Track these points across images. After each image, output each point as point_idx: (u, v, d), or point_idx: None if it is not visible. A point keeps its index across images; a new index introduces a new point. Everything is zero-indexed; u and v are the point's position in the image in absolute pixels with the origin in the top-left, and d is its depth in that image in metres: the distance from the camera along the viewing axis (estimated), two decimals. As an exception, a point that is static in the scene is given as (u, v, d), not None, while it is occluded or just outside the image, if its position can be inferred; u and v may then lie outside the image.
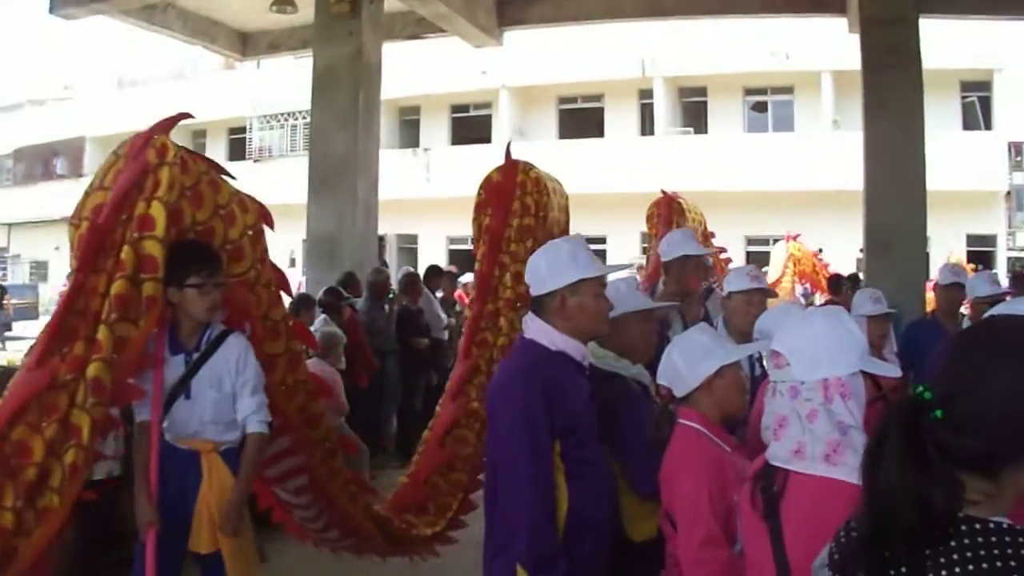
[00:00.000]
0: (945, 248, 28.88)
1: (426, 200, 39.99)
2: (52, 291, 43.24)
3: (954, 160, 30.91)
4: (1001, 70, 37.14)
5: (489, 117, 45.82)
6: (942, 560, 2.08)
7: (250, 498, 6.29)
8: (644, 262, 15.99)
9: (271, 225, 6.40)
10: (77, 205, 5.40)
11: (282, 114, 47.21)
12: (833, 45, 27.93)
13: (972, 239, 36.71)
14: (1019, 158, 45.62)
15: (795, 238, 23.73)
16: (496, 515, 4.57)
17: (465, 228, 8.75)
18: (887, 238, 14.63)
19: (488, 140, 42.96)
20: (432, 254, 40.57)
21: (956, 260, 18.59)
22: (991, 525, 2.10)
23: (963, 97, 38.56)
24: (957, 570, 2.05)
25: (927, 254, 15.18)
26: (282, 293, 6.54)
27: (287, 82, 39.73)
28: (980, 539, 2.08)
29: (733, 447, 4.42)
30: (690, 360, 4.55)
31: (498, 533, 4.54)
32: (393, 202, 19.30)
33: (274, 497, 6.80)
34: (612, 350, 5.20)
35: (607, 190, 35.07)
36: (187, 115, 6.12)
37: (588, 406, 4.68)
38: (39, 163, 58.59)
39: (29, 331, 33.68)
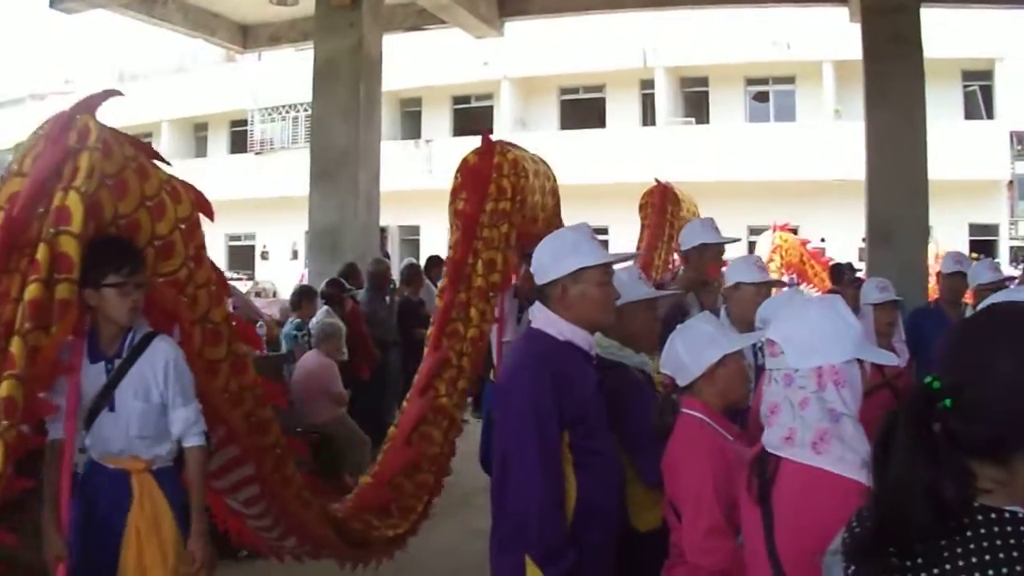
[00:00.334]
0: (947, 238, 28.82)
1: (428, 192, 39.83)
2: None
3: (956, 149, 30.86)
4: (1003, 59, 37.05)
5: (491, 108, 45.88)
6: (958, 551, 2.07)
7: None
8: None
9: (210, 216, 5.81)
10: None
11: (283, 106, 47.15)
12: (834, 35, 27.89)
13: (974, 228, 36.66)
14: (1021, 147, 45.49)
15: (782, 228, 23.63)
16: (504, 505, 4.54)
17: (469, 219, 8.72)
18: (889, 227, 14.62)
19: (490, 131, 41.72)
20: (434, 245, 40.55)
21: (940, 251, 18.46)
22: (1006, 515, 2.09)
23: (965, 86, 38.53)
24: (974, 560, 2.05)
25: (928, 243, 15.12)
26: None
27: (288, 74, 39.67)
28: (996, 529, 2.08)
29: (735, 436, 4.43)
30: (693, 349, 4.57)
31: (506, 523, 4.53)
32: (395, 194, 19.31)
33: (226, 508, 6.39)
34: (615, 339, 5.19)
35: (609, 180, 35.01)
36: (116, 92, 5.35)
37: (596, 395, 4.66)
38: (40, 157, 58.44)
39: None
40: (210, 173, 46.39)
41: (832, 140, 34.54)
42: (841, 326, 3.55)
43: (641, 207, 13.94)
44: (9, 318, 4.53)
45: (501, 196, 7.48)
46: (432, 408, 7.54)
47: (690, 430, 4.43)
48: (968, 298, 9.68)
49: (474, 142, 7.82)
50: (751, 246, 25.96)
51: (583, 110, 44.93)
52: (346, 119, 16.45)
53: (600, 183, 34.68)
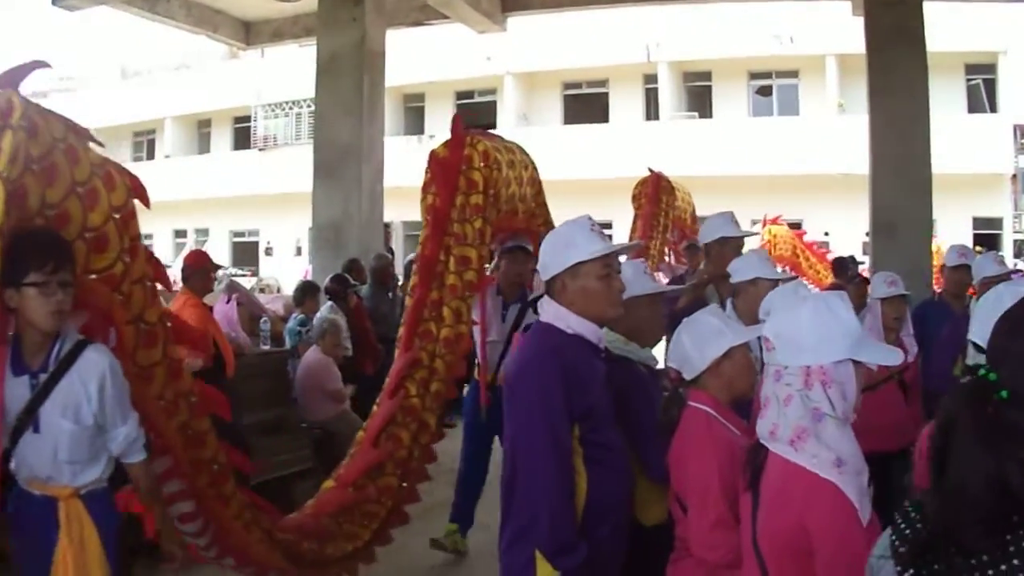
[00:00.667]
0: (951, 231, 28.80)
1: (431, 187, 39.99)
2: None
3: (960, 143, 30.93)
4: (1006, 52, 37.05)
5: (494, 103, 45.95)
6: None
7: (133, 527, 5.34)
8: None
9: (146, 203, 5.07)
10: None
11: (287, 102, 47.20)
12: (837, 28, 27.96)
13: (978, 222, 36.62)
14: (1024, 141, 45.48)
15: (773, 221, 23.58)
16: (514, 501, 4.50)
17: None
18: (892, 221, 14.60)
19: (493, 126, 42.02)
20: (438, 241, 40.72)
21: (940, 245, 18.40)
22: None
23: (968, 80, 38.60)
24: None
25: (932, 236, 15.11)
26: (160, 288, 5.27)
27: (291, 70, 39.81)
28: None
29: (742, 430, 4.41)
30: (699, 342, 4.56)
31: (516, 519, 4.48)
32: (399, 189, 19.25)
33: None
34: (621, 333, 5.16)
35: (612, 175, 34.92)
36: (43, 64, 4.69)
37: (604, 389, 4.65)
38: (42, 155, 58.47)
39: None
40: (213, 170, 46.62)
41: (836, 134, 34.63)
42: (834, 326, 3.52)
43: (634, 197, 13.95)
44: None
45: (472, 189, 7.38)
46: (401, 409, 7.32)
47: (697, 423, 4.43)
48: (972, 291, 9.66)
49: None
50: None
51: (586, 105, 44.92)
52: (349, 114, 16.47)
53: (603, 178, 34.68)
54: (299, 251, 43.32)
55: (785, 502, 3.42)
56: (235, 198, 46.87)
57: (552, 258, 4.61)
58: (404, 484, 7.45)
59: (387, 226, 21.92)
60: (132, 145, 55.60)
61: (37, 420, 4.63)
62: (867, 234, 16.40)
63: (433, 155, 7.57)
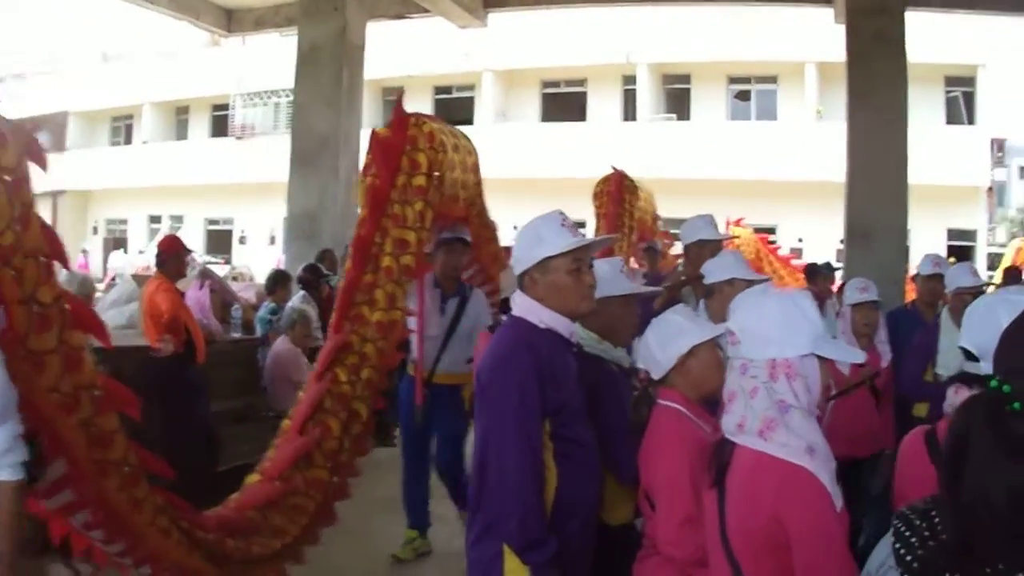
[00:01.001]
0: (925, 242, 28.92)
1: (408, 180, 39.97)
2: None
3: (937, 154, 31.06)
4: (985, 66, 37.35)
5: (472, 99, 46.00)
6: None
7: (38, 525, 4.91)
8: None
9: (43, 165, 4.27)
10: None
11: (266, 92, 47.19)
12: (818, 36, 28.02)
13: (953, 233, 36.85)
14: (1001, 154, 45.67)
15: (738, 223, 23.52)
16: (483, 495, 4.48)
17: (448, 208, 8.58)
18: (867, 228, 14.64)
19: (470, 122, 42.83)
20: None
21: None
22: None
23: (947, 92, 38.77)
24: None
25: (907, 246, 15.16)
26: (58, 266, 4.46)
27: (272, 60, 39.76)
28: None
29: (714, 428, 4.40)
30: (663, 341, 4.57)
31: (486, 513, 4.47)
32: (375, 182, 19.19)
33: (69, 523, 4.97)
34: (594, 331, 5.15)
35: (588, 174, 34.67)
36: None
37: (577, 384, 4.64)
38: (21, 137, 58.18)
39: None
40: (190, 157, 46.53)
41: (813, 141, 34.74)
42: (799, 320, 3.55)
43: (596, 195, 13.58)
44: None
45: (415, 171, 7.22)
46: (331, 396, 6.99)
47: (666, 421, 4.43)
48: (944, 300, 9.68)
49: None
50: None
51: (564, 103, 45.00)
52: (328, 105, 16.48)
53: (579, 177, 34.48)
54: (272, 241, 43.26)
55: (757, 495, 3.42)
56: (211, 186, 46.82)
57: (523, 252, 4.59)
58: (334, 478, 7.00)
59: (362, 217, 21.89)
60: (110, 129, 55.73)
61: None
62: (841, 241, 16.40)
63: (375, 136, 7.44)
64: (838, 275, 16.62)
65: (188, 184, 47.71)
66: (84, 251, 46.14)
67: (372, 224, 7.17)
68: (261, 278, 19.30)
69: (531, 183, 34.53)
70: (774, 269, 22.57)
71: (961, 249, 34.91)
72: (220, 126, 50.87)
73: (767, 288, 4.28)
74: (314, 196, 16.19)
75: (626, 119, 43.53)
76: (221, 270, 32.99)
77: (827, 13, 18.17)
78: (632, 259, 14.26)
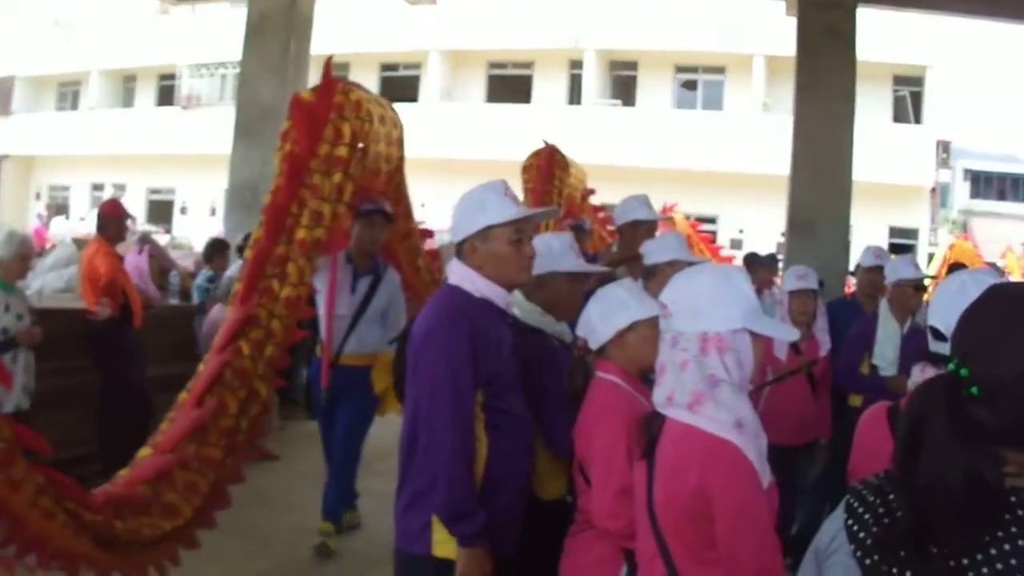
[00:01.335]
0: (867, 238, 29.11)
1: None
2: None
3: (883, 152, 31.34)
4: (934, 66, 37.69)
5: (418, 78, 45.87)
6: (999, 535, 2.03)
7: None
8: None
9: None
10: None
11: (214, 63, 46.93)
12: (767, 29, 28.15)
13: (895, 231, 37.17)
14: (946, 155, 46.04)
15: (669, 209, 23.54)
16: (412, 464, 4.47)
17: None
18: (810, 219, 14.66)
19: (415, 99, 43.18)
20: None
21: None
22: None
23: (895, 91, 39.05)
24: (1007, 547, 2.01)
25: (849, 239, 15.19)
26: None
27: (220, 31, 39.54)
28: None
29: (651, 401, 4.38)
30: (604, 313, 4.56)
31: (414, 482, 4.46)
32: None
33: None
34: (538, 304, 5.15)
35: (532, 157, 35.15)
36: None
37: (511, 356, 4.64)
38: (-34, 101, 57.87)
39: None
40: (136, 126, 46.28)
41: (758, 133, 35.07)
42: (731, 295, 3.53)
43: (525, 169, 13.35)
44: None
45: (338, 140, 6.96)
46: (231, 369, 6.58)
47: (604, 393, 4.43)
48: (884, 293, 9.71)
49: (401, 109, 7.53)
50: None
51: (510, 85, 44.96)
52: (274, 75, 16.37)
53: (523, 159, 34.78)
54: (213, 212, 43.09)
55: (683, 466, 3.40)
56: (155, 156, 46.64)
57: (463, 220, 4.57)
58: (228, 460, 6.51)
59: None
60: (57, 95, 55.23)
61: None
62: (782, 234, 16.43)
63: (297, 100, 7.15)
64: (780, 267, 16.64)
65: (132, 153, 47.44)
66: (40, 215, 45.72)
67: (288, 193, 6.91)
68: (201, 249, 19.23)
69: (475, 164, 34.48)
70: (704, 257, 22.64)
71: (903, 247, 35.19)
72: (167, 96, 50.45)
73: (704, 264, 4.26)
74: (256, 167, 16.05)
75: (571, 103, 43.56)
76: (162, 240, 32.91)
77: (779, 6, 18.20)
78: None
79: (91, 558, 5.37)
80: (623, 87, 43.68)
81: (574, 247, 5.40)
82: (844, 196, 14.63)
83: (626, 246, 8.03)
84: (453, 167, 28.85)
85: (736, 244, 34.59)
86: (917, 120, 38.75)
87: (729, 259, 19.71)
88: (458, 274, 4.57)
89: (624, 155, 35.19)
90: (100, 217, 10.25)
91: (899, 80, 38.74)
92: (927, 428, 2.10)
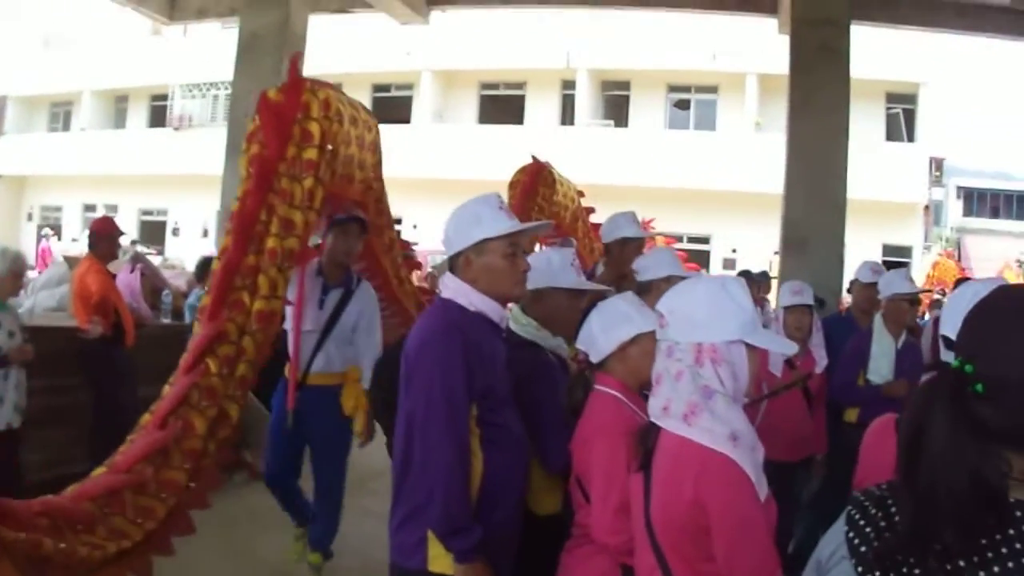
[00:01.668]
0: (861, 256, 29.15)
1: (344, 176, 39.93)
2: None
3: (876, 170, 31.31)
4: (927, 84, 37.71)
5: (410, 98, 45.95)
6: (1001, 547, 1.98)
7: None
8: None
9: None
10: None
11: (206, 84, 47.05)
12: (759, 48, 28.18)
13: (888, 249, 37.10)
14: (939, 173, 46.17)
15: (647, 225, 23.46)
16: (407, 479, 4.44)
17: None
18: (804, 236, 14.61)
19: (407, 120, 43.27)
20: (348, 227, 40.79)
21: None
22: None
23: (888, 108, 39.11)
24: (1005, 550, 1.97)
25: (843, 257, 15.18)
26: None
27: (212, 52, 39.60)
28: None
29: (650, 416, 4.37)
30: (607, 326, 4.55)
31: (409, 498, 4.44)
32: (310, 175, 19.13)
33: None
34: (535, 318, 5.15)
35: (525, 178, 35.17)
36: None
37: (505, 370, 4.61)
38: (-41, 121, 57.89)
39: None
40: (127, 146, 46.33)
41: (751, 152, 35.07)
42: (728, 306, 3.52)
43: (511, 185, 13.06)
44: None
45: (306, 141, 6.55)
46: (198, 389, 6.14)
47: (603, 407, 4.41)
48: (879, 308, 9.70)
49: (393, 130, 7.40)
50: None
51: (502, 106, 45.12)
52: (267, 95, 16.29)
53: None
54: (206, 233, 43.08)
55: (679, 479, 3.38)
56: (146, 176, 46.70)
57: (457, 234, 4.55)
58: (192, 484, 6.05)
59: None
60: (49, 115, 55.32)
61: None
62: (775, 253, 16.42)
63: (264, 99, 6.69)
64: (774, 284, 16.62)
65: (124, 174, 47.52)
66: (45, 235, 45.44)
67: (257, 199, 6.48)
68: (193, 269, 19.22)
69: (466, 184, 34.51)
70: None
71: (896, 265, 35.08)
72: (158, 116, 50.64)
73: (701, 275, 4.24)
74: (248, 187, 16.05)
75: (564, 123, 43.75)
76: (154, 260, 32.94)
77: (771, 24, 18.18)
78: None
79: None
80: (615, 107, 43.83)
81: (575, 264, 5.40)
82: (838, 213, 14.60)
83: (615, 263, 8.03)
84: (445, 188, 28.88)
85: (730, 264, 34.71)
86: (910, 138, 38.78)
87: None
88: (452, 288, 4.55)
89: (617, 175, 35.15)
90: (92, 235, 10.25)
91: (892, 98, 38.81)
92: (931, 427, 2.07)
